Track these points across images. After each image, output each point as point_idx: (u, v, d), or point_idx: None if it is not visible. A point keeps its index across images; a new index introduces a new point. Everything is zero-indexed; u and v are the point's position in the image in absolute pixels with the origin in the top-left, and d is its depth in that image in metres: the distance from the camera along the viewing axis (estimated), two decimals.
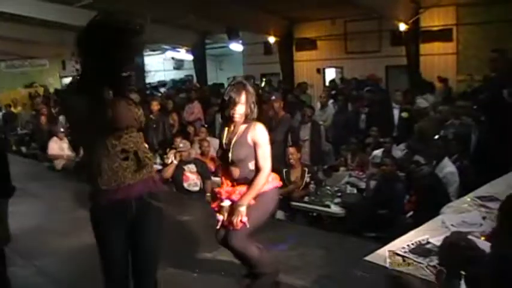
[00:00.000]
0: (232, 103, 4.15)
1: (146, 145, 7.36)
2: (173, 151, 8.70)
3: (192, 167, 8.74)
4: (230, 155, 4.22)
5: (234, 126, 4.27)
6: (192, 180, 8.60)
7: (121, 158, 3.15)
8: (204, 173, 8.71)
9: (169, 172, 8.66)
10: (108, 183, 3.16)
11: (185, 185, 8.62)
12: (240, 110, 4.19)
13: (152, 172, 3.38)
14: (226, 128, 4.36)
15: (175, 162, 8.65)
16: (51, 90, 26.43)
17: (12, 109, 17.53)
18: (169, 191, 8.34)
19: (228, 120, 4.28)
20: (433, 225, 4.36)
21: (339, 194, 7.72)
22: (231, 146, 4.22)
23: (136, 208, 3.23)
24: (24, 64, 29.90)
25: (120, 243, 3.27)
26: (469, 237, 3.56)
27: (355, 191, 7.93)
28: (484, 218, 4.35)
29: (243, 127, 4.24)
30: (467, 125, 8.63)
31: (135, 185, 3.22)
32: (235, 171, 4.27)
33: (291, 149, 8.08)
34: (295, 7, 16.99)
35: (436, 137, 8.29)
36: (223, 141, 4.34)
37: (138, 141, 3.25)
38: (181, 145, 8.86)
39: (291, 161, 7.94)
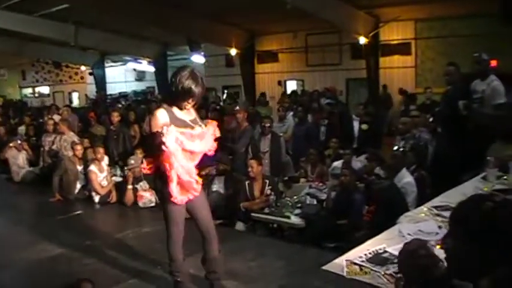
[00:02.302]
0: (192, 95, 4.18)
1: (106, 157, 7.33)
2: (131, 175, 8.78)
3: (143, 184, 8.73)
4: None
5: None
6: (146, 198, 8.60)
7: None
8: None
9: (130, 199, 8.76)
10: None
11: (140, 204, 8.62)
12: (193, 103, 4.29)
13: None
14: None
15: (130, 187, 8.70)
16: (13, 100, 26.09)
17: None
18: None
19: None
20: (389, 235, 4.41)
21: (299, 205, 7.73)
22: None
23: None
24: None
25: None
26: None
27: (315, 202, 7.95)
28: (439, 227, 4.41)
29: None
30: (424, 137, 8.81)
31: None
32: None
33: (252, 162, 8.07)
34: (256, 20, 17.14)
35: (395, 148, 8.42)
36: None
37: None
38: (132, 161, 8.85)
39: (251, 174, 7.94)
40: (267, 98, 17.10)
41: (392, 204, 6.21)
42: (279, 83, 19.64)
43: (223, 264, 4.67)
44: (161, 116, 4.15)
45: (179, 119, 4.22)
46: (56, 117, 12.75)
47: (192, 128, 4.24)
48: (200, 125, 4.32)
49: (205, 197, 4.75)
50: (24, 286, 5.46)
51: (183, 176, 4.15)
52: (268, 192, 7.80)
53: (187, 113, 4.32)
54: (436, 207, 4.96)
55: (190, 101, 4.21)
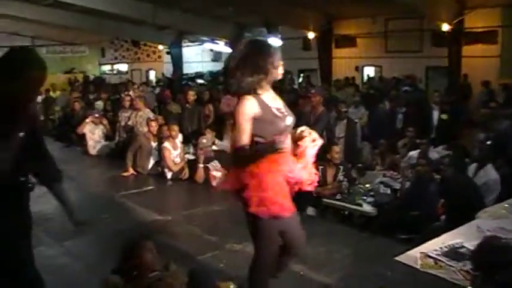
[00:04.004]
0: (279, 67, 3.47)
1: (180, 134, 7.28)
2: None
3: (216, 164, 8.76)
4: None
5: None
6: (219, 178, 8.60)
7: None
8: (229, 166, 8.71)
9: (201, 176, 8.78)
10: None
11: (213, 183, 8.64)
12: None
13: None
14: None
15: (201, 165, 8.74)
16: (90, 76, 26.85)
17: (51, 93, 17.74)
18: None
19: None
20: (467, 230, 4.24)
21: (372, 193, 7.59)
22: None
23: None
24: (65, 50, 30.36)
25: None
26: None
27: (388, 191, 7.78)
28: None
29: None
30: (506, 129, 8.46)
31: None
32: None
33: (336, 148, 7.94)
34: (335, 3, 16.85)
35: (480, 140, 8.13)
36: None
37: None
38: (204, 141, 8.91)
39: (335, 159, 7.82)
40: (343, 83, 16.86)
41: (465, 199, 5.98)
42: (357, 68, 19.32)
43: None
44: (250, 105, 3.36)
45: (272, 107, 3.45)
46: (133, 94, 12.98)
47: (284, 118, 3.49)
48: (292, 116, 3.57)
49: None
50: (97, 256, 5.56)
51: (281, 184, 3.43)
52: (341, 178, 7.68)
53: (275, 98, 3.56)
54: None
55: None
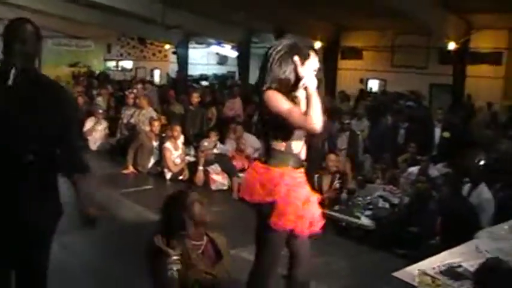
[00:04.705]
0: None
1: (182, 135, 7.20)
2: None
3: (216, 167, 8.77)
4: None
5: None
6: (218, 182, 8.63)
7: None
8: (229, 170, 8.74)
9: (200, 179, 8.78)
10: None
11: (213, 187, 8.67)
12: None
13: None
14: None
15: (201, 168, 8.74)
16: (96, 71, 26.83)
17: None
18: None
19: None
20: (466, 249, 4.23)
21: (371, 206, 7.60)
22: None
23: None
24: (70, 43, 30.32)
25: None
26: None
27: (387, 205, 7.79)
28: None
29: None
30: (509, 153, 8.47)
31: None
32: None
33: (332, 156, 7.97)
34: (344, 14, 16.88)
35: (476, 161, 8.12)
36: None
37: None
38: (205, 143, 8.92)
39: (332, 168, 7.84)
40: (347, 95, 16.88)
41: (460, 218, 5.99)
42: (361, 81, 19.35)
43: None
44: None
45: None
46: (137, 92, 12.99)
47: None
48: None
49: None
50: (95, 253, 5.57)
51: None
52: (338, 186, 7.69)
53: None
54: None
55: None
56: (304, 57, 3.45)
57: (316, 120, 3.24)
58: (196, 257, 3.11)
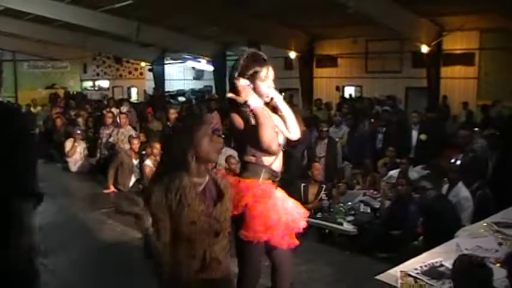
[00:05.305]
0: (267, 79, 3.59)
1: None
2: None
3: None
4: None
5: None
6: None
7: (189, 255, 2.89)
8: None
9: None
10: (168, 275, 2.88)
11: None
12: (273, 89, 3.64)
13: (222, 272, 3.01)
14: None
15: None
16: (72, 92, 26.71)
17: (32, 109, 17.66)
18: None
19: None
20: (446, 248, 4.30)
21: (352, 212, 7.66)
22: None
23: None
24: (46, 65, 30.23)
25: None
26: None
27: (368, 210, 7.86)
28: (500, 243, 4.28)
29: None
30: (484, 152, 8.58)
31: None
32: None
33: (317, 165, 8.02)
34: (317, 23, 17.06)
35: (453, 160, 8.23)
36: None
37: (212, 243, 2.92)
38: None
39: (318, 177, 7.89)
40: (323, 103, 16.94)
41: (442, 218, 6.06)
42: (337, 88, 19.47)
43: None
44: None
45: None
46: (115, 111, 12.96)
47: None
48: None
49: None
50: (77, 274, 5.54)
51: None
52: (324, 196, 7.73)
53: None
54: (496, 223, 4.82)
55: None
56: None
57: (268, 139, 3.35)
58: (194, 196, 2.87)
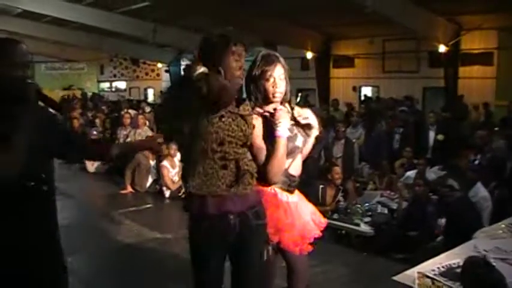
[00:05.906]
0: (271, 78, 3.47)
1: (179, 153, 6.91)
2: None
3: None
4: None
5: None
6: None
7: (219, 166, 2.87)
8: None
9: None
10: (199, 188, 2.87)
11: None
12: (281, 88, 3.50)
13: (253, 187, 3.02)
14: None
15: None
16: (89, 93, 26.89)
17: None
18: None
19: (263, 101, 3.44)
20: (465, 250, 4.25)
21: (369, 213, 7.62)
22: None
23: (240, 228, 2.96)
24: (63, 67, 30.47)
25: (218, 267, 3.02)
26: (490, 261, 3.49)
27: (386, 211, 7.82)
28: None
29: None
30: (502, 151, 8.51)
31: (232, 200, 2.90)
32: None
33: (337, 169, 7.98)
34: (333, 23, 17.02)
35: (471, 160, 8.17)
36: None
37: (241, 153, 2.94)
38: None
39: (338, 181, 7.86)
40: (340, 104, 16.88)
41: (464, 218, 6.02)
42: (354, 88, 19.40)
43: None
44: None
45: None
46: (132, 112, 13.02)
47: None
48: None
49: None
50: (96, 273, 5.57)
51: None
52: (341, 199, 7.70)
53: None
54: None
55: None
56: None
57: (273, 172, 3.20)
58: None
